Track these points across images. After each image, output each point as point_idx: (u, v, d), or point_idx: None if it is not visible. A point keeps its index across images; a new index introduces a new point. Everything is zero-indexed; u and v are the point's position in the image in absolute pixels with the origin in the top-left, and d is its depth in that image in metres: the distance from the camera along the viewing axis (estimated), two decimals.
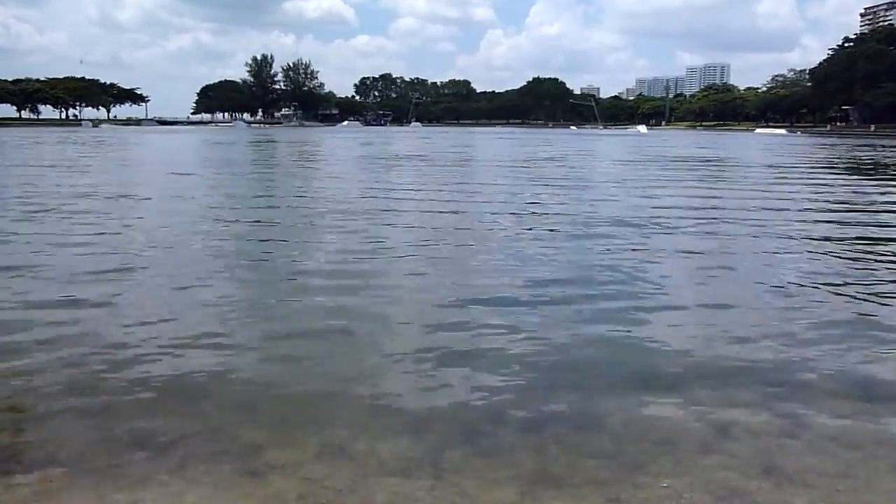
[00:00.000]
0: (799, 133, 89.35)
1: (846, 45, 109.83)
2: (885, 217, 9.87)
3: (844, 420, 3.00)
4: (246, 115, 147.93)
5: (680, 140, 57.00)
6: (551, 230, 8.28)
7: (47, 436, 2.77)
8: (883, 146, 40.49)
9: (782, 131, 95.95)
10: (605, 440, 2.76)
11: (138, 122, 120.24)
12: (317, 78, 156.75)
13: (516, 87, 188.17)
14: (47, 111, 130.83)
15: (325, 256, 6.60)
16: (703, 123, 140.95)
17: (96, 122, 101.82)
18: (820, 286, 5.35)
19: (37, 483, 2.40)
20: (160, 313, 4.50)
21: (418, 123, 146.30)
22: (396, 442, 2.75)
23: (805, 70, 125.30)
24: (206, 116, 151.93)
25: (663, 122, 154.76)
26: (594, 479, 2.45)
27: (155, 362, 3.59)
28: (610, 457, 2.62)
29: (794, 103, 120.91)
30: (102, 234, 7.71)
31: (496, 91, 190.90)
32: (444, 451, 2.68)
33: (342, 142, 44.23)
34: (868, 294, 5.12)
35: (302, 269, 6.05)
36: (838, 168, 21.18)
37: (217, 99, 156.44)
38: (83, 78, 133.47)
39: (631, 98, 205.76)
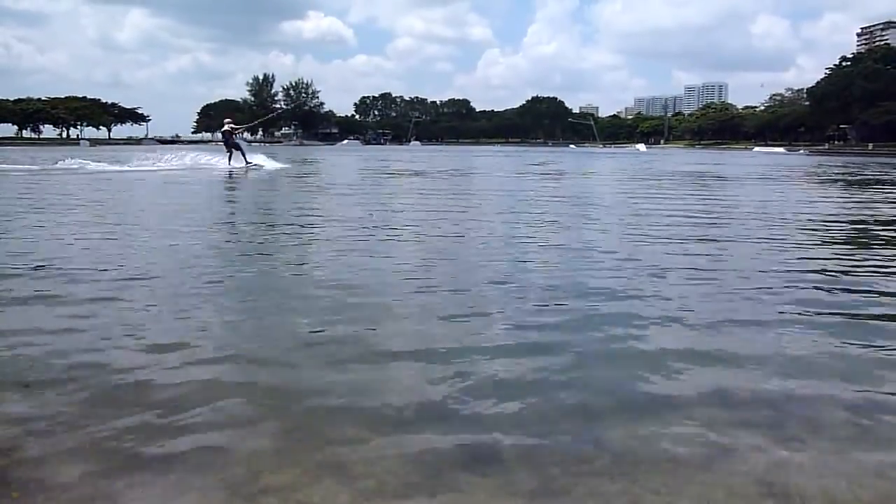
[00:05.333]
0: (802, 151, 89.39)
1: (843, 64, 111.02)
2: None
3: (848, 439, 2.88)
4: (246, 134, 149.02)
5: (685, 158, 57.17)
6: (555, 241, 8.10)
7: (38, 459, 2.64)
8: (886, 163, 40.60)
9: (781, 150, 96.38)
10: (606, 458, 2.66)
11: (139, 141, 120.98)
12: (317, 97, 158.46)
13: (515, 105, 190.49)
14: (48, 130, 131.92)
15: (324, 271, 6.39)
16: (702, 142, 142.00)
17: (93, 142, 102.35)
18: (825, 303, 5.21)
19: None
20: (154, 332, 4.33)
21: (418, 142, 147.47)
22: (395, 462, 2.62)
23: (803, 89, 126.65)
24: (207, 135, 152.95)
25: (662, 141, 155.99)
26: (595, 496, 2.39)
27: (147, 384, 3.43)
28: (610, 475, 2.52)
29: (793, 122, 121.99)
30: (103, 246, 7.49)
31: (495, 110, 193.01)
32: (444, 470, 2.56)
33: (344, 159, 44.39)
34: (873, 313, 5.00)
35: (300, 279, 5.85)
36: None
37: (217, 118, 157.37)
38: (84, 97, 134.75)
39: (629, 117, 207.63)
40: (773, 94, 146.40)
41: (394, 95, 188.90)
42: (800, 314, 4.84)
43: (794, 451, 2.74)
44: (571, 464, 2.62)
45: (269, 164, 25.89)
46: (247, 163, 25.15)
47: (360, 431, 2.89)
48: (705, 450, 2.75)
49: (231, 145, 25.24)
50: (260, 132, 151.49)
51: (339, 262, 6.69)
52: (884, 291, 5.56)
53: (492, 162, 42.47)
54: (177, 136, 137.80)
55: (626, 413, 3.11)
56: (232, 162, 25.08)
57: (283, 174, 23.84)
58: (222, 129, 25.77)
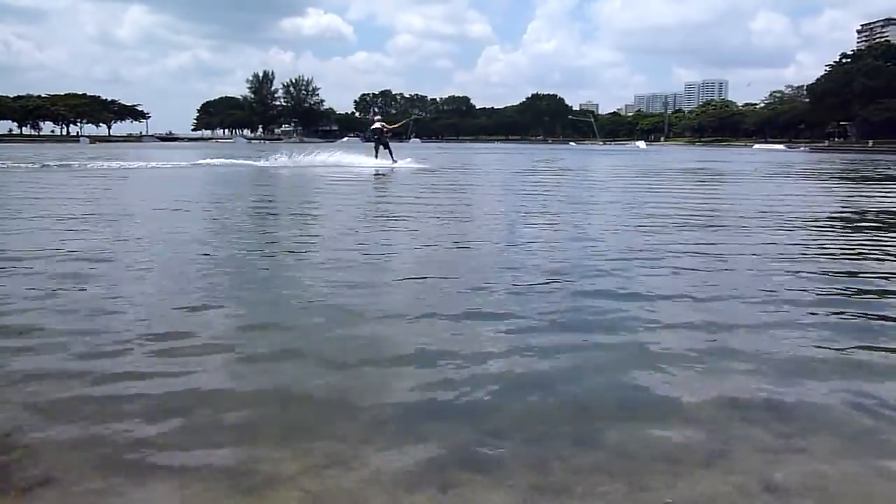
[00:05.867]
0: (803, 148, 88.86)
1: (843, 61, 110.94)
2: None
3: (848, 436, 2.89)
4: (246, 131, 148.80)
5: (686, 155, 56.99)
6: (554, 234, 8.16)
7: (39, 453, 2.65)
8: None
9: (781, 147, 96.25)
10: (606, 455, 2.68)
11: (139, 137, 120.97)
12: (317, 94, 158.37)
13: (515, 103, 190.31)
14: (48, 127, 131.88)
15: (326, 262, 6.40)
16: (702, 139, 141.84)
17: (93, 139, 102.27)
18: (823, 299, 5.22)
19: (30, 501, 2.32)
20: (155, 324, 4.34)
21: (418, 140, 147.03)
22: (399, 455, 2.65)
23: (803, 86, 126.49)
24: (207, 132, 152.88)
25: (662, 138, 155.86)
26: (595, 493, 2.40)
27: (150, 376, 3.44)
28: (610, 471, 2.53)
29: (792, 119, 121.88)
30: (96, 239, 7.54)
31: (495, 107, 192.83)
32: (447, 464, 2.59)
33: None
34: (872, 309, 5.00)
35: (301, 273, 5.88)
36: None
37: (217, 115, 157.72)
38: (84, 94, 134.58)
39: (629, 114, 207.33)
40: (774, 91, 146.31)
41: (394, 92, 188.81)
42: (804, 309, 4.85)
43: (794, 449, 2.75)
44: (571, 459, 2.65)
45: (412, 164, 26.99)
46: (393, 160, 26.21)
47: (361, 426, 2.91)
48: (705, 446, 2.76)
49: (381, 143, 26.57)
50: (260, 129, 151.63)
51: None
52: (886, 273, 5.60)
53: (493, 159, 42.48)
54: (170, 132, 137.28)
55: (625, 410, 3.13)
56: (378, 158, 26.32)
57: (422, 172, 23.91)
58: (372, 127, 27.37)
